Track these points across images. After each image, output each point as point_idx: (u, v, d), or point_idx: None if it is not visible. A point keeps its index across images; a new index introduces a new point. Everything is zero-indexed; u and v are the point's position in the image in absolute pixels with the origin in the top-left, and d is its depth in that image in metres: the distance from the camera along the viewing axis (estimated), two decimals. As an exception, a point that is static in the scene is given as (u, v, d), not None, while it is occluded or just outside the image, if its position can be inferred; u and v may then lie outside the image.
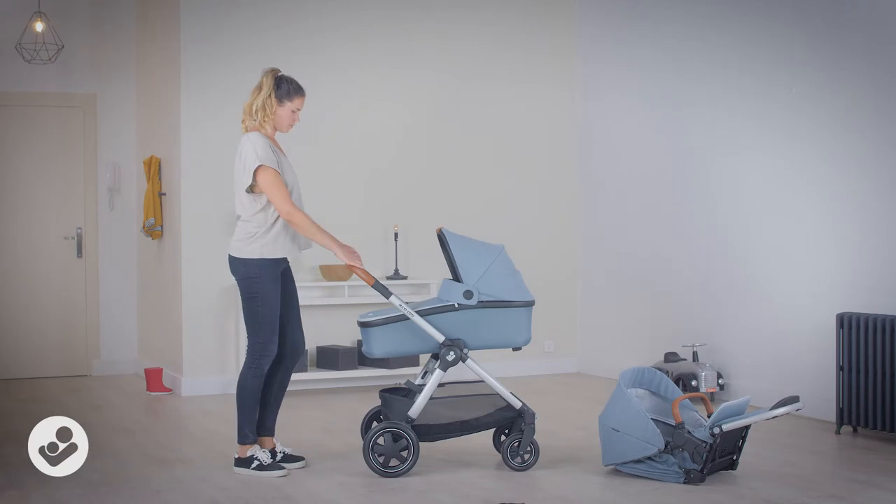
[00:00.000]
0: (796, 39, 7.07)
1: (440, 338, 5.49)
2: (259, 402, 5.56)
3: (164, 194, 8.58)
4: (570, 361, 9.17)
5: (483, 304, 5.48)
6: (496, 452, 5.80)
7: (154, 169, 8.61)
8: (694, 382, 7.35)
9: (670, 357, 7.69)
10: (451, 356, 5.48)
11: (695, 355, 7.62)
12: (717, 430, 5.14)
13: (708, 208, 7.83)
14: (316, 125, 8.38)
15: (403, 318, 5.49)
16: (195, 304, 8.11)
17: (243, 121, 5.53)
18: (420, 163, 8.78)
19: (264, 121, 5.49)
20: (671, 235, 8.18)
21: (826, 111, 6.86)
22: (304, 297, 8.17)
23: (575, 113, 9.19)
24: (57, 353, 9.23)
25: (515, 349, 5.63)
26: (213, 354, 8.15)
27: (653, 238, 8.37)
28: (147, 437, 6.56)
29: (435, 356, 5.58)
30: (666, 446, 5.22)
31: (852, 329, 6.34)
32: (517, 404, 5.54)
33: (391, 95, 8.65)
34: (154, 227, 8.61)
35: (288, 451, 5.71)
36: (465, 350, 5.52)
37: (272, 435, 5.68)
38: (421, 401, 5.44)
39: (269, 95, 5.47)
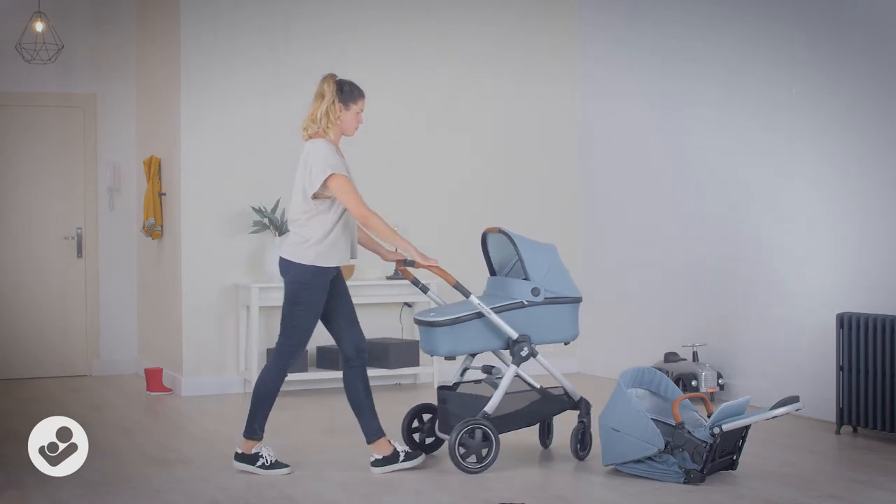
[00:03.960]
0: (796, 39, 7.07)
1: (514, 334, 5.65)
2: (274, 402, 5.56)
3: (164, 194, 8.58)
4: (570, 361, 9.15)
5: (547, 301, 5.71)
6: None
7: (154, 169, 8.61)
8: (694, 382, 7.35)
9: (670, 357, 7.68)
10: (524, 352, 5.65)
11: (695, 355, 7.62)
12: (717, 430, 5.14)
13: (708, 208, 7.82)
14: (316, 125, 8.39)
15: (472, 317, 5.60)
16: (195, 304, 8.11)
17: (305, 128, 5.51)
18: (420, 163, 8.77)
19: (328, 127, 5.46)
20: (671, 235, 8.18)
21: (826, 111, 6.86)
22: (304, 297, 8.19)
23: (575, 113, 9.18)
24: (57, 353, 9.23)
25: (566, 344, 5.87)
26: (213, 354, 8.15)
27: (652, 238, 8.37)
28: (147, 437, 6.56)
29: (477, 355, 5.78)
30: (666, 446, 5.22)
31: (852, 329, 6.33)
32: (576, 396, 5.81)
33: (391, 95, 8.65)
34: (154, 227, 8.61)
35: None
36: (533, 346, 5.67)
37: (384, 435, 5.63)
38: (497, 397, 5.57)
39: (333, 101, 5.46)
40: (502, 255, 5.96)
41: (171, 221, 8.42)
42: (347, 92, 5.49)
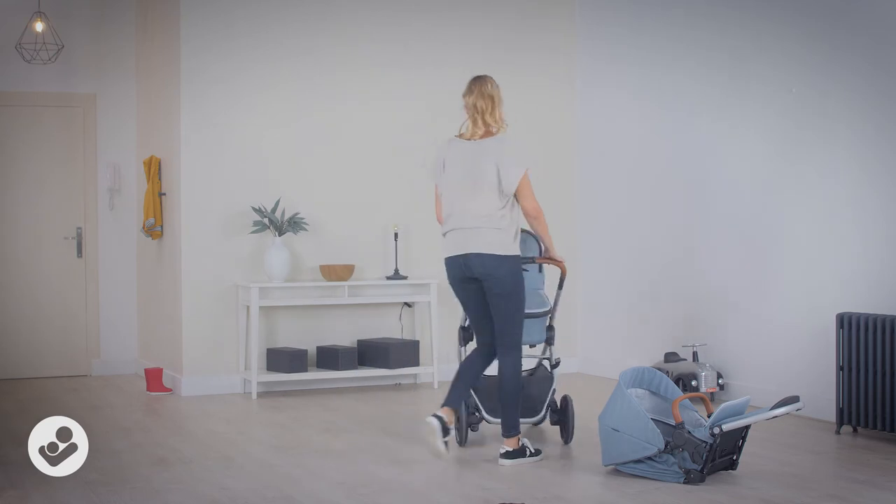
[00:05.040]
0: (797, 39, 7.07)
1: (551, 322, 6.38)
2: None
3: (164, 194, 8.58)
4: (571, 361, 9.16)
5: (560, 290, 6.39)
6: (496, 452, 5.85)
7: (154, 169, 8.61)
8: (694, 382, 7.35)
9: (670, 357, 7.69)
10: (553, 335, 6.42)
11: (695, 355, 7.62)
12: (717, 430, 5.14)
13: (707, 208, 7.82)
14: (316, 124, 8.39)
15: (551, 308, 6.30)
16: (195, 304, 8.11)
17: (474, 123, 5.71)
18: (420, 163, 8.76)
19: (502, 127, 5.76)
20: (671, 235, 8.18)
21: (826, 112, 6.86)
22: (304, 297, 8.19)
23: (574, 112, 9.18)
24: (57, 353, 9.23)
25: None
26: (213, 354, 8.15)
27: (652, 238, 8.37)
28: (147, 437, 6.56)
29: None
30: (666, 446, 5.22)
31: (852, 329, 6.33)
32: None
33: (391, 95, 8.64)
34: (154, 227, 8.61)
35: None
36: None
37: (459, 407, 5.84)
38: (555, 378, 6.35)
39: (502, 102, 5.79)
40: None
41: (171, 221, 8.42)
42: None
